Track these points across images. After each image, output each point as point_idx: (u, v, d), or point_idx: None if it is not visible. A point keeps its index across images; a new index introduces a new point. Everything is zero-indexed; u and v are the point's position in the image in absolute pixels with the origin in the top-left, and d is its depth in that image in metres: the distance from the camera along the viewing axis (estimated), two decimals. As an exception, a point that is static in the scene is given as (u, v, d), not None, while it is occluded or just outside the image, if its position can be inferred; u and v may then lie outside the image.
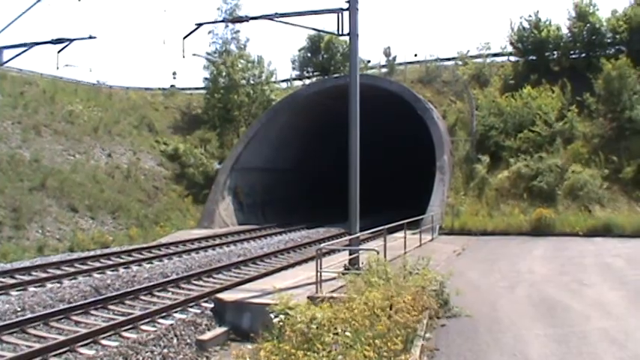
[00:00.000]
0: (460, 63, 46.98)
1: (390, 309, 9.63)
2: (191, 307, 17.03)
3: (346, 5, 18.69)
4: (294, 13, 20.05)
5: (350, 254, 18.04)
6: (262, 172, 42.15)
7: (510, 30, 44.66)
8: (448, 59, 48.31)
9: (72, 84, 47.27)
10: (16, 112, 37.58)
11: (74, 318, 15.86)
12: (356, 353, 7.65)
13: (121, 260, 24.52)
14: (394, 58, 50.74)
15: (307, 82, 51.90)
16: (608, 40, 41.54)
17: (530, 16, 44.08)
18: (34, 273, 21.44)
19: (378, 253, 14.85)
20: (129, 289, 18.86)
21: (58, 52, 26.02)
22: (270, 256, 26.39)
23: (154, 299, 18.40)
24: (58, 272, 21.61)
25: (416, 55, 50.95)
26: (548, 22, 43.40)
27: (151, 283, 19.76)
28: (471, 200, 33.79)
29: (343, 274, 15.38)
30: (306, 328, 8.28)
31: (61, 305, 16.95)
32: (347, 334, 8.15)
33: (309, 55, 55.80)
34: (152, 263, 24.20)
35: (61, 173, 34.49)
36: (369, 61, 51.49)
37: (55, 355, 12.74)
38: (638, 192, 31.93)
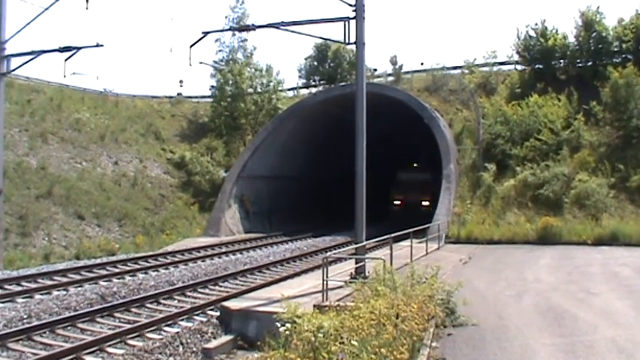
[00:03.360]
0: (466, 71, 47.05)
1: (397, 318, 9.60)
2: (197, 315, 17.02)
3: (353, 14, 18.71)
4: (300, 22, 20.06)
5: (356, 263, 18.02)
6: (268, 180, 42.15)
7: (517, 38, 44.67)
8: (454, 68, 48.36)
9: (79, 92, 47.45)
10: (23, 119, 37.74)
11: (80, 325, 15.86)
12: (361, 362, 7.64)
13: (127, 268, 24.52)
14: (401, 67, 50.83)
15: (314, 90, 51.94)
16: (615, 49, 41.53)
17: (536, 24, 44.10)
18: (39, 280, 21.46)
19: (384, 261, 14.82)
20: (135, 297, 18.86)
21: (66, 60, 26.19)
22: (276, 265, 26.36)
23: (160, 307, 18.39)
24: (64, 280, 21.63)
25: (422, 64, 51.04)
26: (554, 31, 43.38)
27: (158, 291, 19.75)
28: (477, 209, 33.73)
29: (349, 282, 15.34)
30: (313, 337, 8.26)
31: (67, 313, 16.96)
32: (353, 342, 8.12)
33: (315, 63, 55.89)
34: (158, 271, 24.19)
35: (68, 181, 34.61)
36: (375, 70, 51.58)
37: (61, 363, 12.74)
38: (646, 201, 31.88)
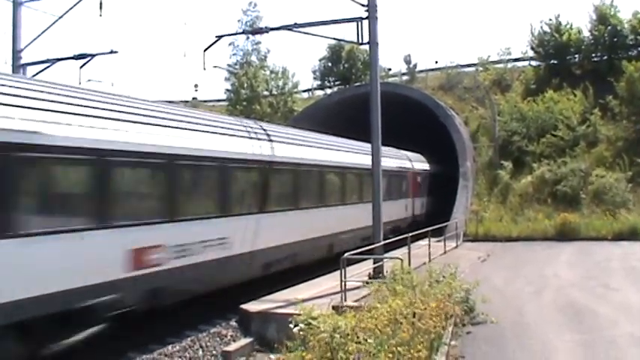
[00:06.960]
0: (481, 69, 46.96)
1: (414, 316, 9.57)
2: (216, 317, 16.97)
3: (365, 14, 18.65)
4: (313, 23, 20.00)
5: (374, 262, 17.99)
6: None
7: (531, 34, 44.57)
8: (469, 65, 48.32)
9: (95, 99, 47.60)
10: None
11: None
12: (379, 362, 7.63)
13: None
14: (415, 66, 50.87)
15: (328, 91, 51.93)
16: (630, 42, 41.24)
17: (550, 19, 44.01)
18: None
19: (402, 261, 14.79)
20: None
21: (81, 67, 26.21)
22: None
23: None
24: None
25: (436, 62, 51.05)
26: (569, 26, 43.20)
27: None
28: (495, 206, 33.61)
29: (367, 282, 15.32)
30: (330, 337, 8.25)
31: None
32: (370, 341, 8.10)
33: (329, 64, 55.89)
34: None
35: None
36: (389, 69, 51.59)
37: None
38: (665, 195, 31.62)
